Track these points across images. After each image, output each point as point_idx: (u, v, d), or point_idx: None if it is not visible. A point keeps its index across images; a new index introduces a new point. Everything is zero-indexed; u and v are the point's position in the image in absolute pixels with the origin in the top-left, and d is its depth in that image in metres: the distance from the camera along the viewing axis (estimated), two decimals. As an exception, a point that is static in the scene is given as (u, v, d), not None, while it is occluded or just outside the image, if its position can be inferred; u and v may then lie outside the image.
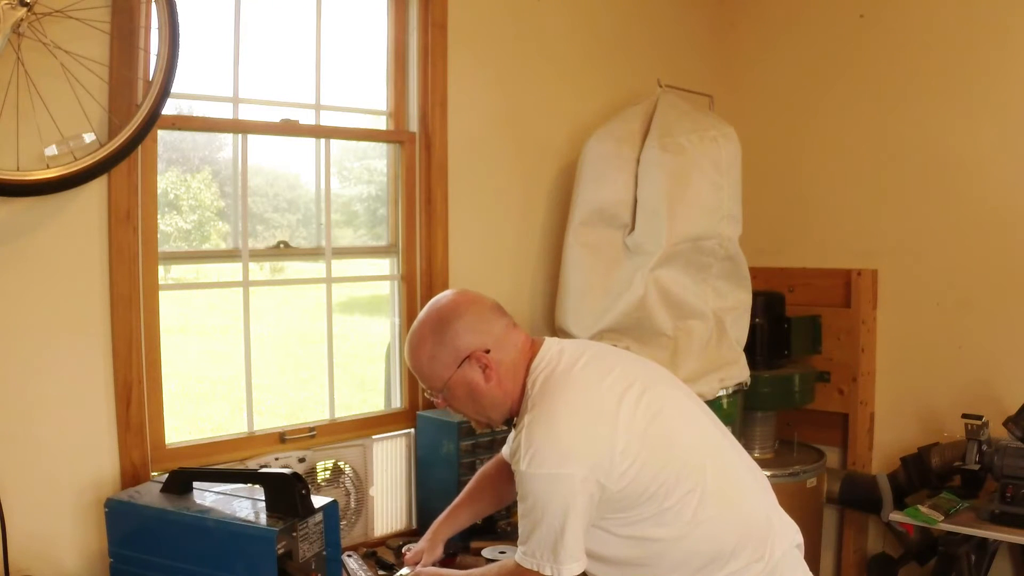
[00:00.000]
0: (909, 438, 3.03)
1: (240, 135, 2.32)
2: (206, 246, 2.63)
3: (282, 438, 2.35)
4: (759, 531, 1.67)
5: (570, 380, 1.66)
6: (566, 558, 1.59)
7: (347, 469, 2.39)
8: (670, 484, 1.61)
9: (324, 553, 1.79)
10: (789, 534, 1.73)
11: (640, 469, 1.59)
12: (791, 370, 3.07)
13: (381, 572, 2.19)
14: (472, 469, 2.45)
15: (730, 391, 2.75)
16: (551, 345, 1.74)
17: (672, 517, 1.62)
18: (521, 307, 2.88)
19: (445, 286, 2.65)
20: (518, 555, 1.64)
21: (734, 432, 2.73)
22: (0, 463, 1.84)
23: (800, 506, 2.81)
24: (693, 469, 1.63)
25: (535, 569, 1.61)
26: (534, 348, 1.73)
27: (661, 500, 1.61)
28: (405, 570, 1.97)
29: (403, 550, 2.23)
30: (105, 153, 1.87)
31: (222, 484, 1.88)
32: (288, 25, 2.45)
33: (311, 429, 2.40)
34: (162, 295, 2.14)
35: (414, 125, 2.62)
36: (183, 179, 2.54)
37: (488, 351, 1.69)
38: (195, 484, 1.88)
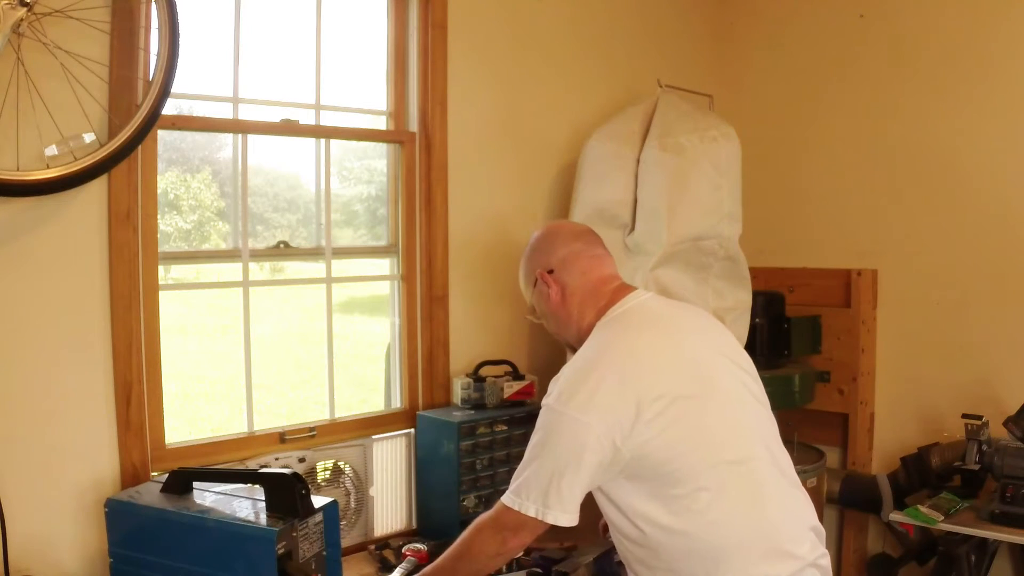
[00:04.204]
0: (909, 438, 3.03)
1: (240, 135, 2.32)
2: (206, 246, 2.63)
3: (282, 438, 2.35)
4: (771, 545, 1.60)
5: (630, 334, 1.67)
6: (555, 504, 1.55)
7: (347, 469, 2.39)
8: (684, 472, 1.57)
9: (324, 553, 1.79)
10: (805, 554, 1.63)
11: (660, 445, 1.56)
12: (791, 370, 3.07)
13: (382, 572, 2.20)
14: (472, 469, 2.46)
15: (730, 391, 2.74)
16: (638, 296, 1.75)
17: (679, 507, 1.59)
18: (521, 307, 2.86)
19: (445, 286, 2.65)
20: (505, 495, 1.61)
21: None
22: (0, 463, 1.84)
23: (800, 506, 2.81)
24: (713, 467, 1.59)
25: (518, 510, 1.58)
26: (617, 295, 1.75)
27: (671, 484, 1.58)
28: (400, 569, 1.98)
29: (403, 551, 2.24)
30: (105, 153, 1.87)
31: (222, 484, 1.88)
32: (288, 25, 2.45)
33: (311, 429, 2.40)
34: (162, 295, 2.14)
35: (414, 125, 2.62)
36: (183, 179, 2.54)
37: (551, 271, 1.79)
38: (195, 484, 1.88)
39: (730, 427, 1.65)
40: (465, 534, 1.70)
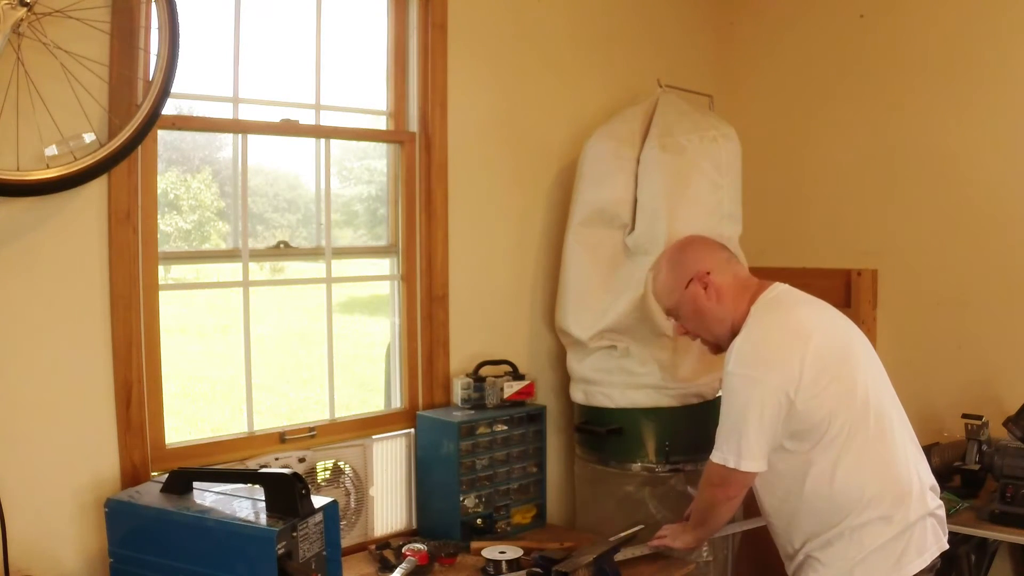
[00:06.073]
0: (909, 438, 3.03)
1: (240, 135, 2.32)
2: (206, 246, 2.63)
3: (282, 438, 2.35)
4: (899, 489, 1.90)
5: (784, 309, 2.00)
6: (747, 454, 1.87)
7: (347, 469, 2.39)
8: (839, 422, 1.88)
9: (324, 553, 1.79)
10: (928, 503, 1.94)
11: (820, 400, 1.87)
12: (791, 370, 3.07)
13: (382, 572, 2.19)
14: (472, 469, 2.46)
15: (730, 391, 2.75)
16: (782, 286, 2.07)
17: (833, 454, 1.89)
18: (521, 307, 2.88)
19: (445, 286, 2.65)
20: (712, 454, 1.95)
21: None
22: (0, 463, 1.84)
23: (800, 506, 2.81)
24: (862, 420, 1.90)
25: (721, 463, 1.91)
26: (763, 286, 2.06)
27: (828, 432, 1.88)
28: (400, 569, 1.98)
29: (403, 551, 2.24)
30: (105, 153, 1.87)
31: (222, 484, 1.88)
32: (288, 25, 2.45)
33: (311, 429, 2.40)
34: (162, 295, 2.14)
35: (414, 125, 2.62)
36: (183, 179, 2.54)
37: (708, 273, 2.06)
38: (195, 484, 1.88)
39: (874, 393, 1.96)
40: (699, 489, 2.10)
